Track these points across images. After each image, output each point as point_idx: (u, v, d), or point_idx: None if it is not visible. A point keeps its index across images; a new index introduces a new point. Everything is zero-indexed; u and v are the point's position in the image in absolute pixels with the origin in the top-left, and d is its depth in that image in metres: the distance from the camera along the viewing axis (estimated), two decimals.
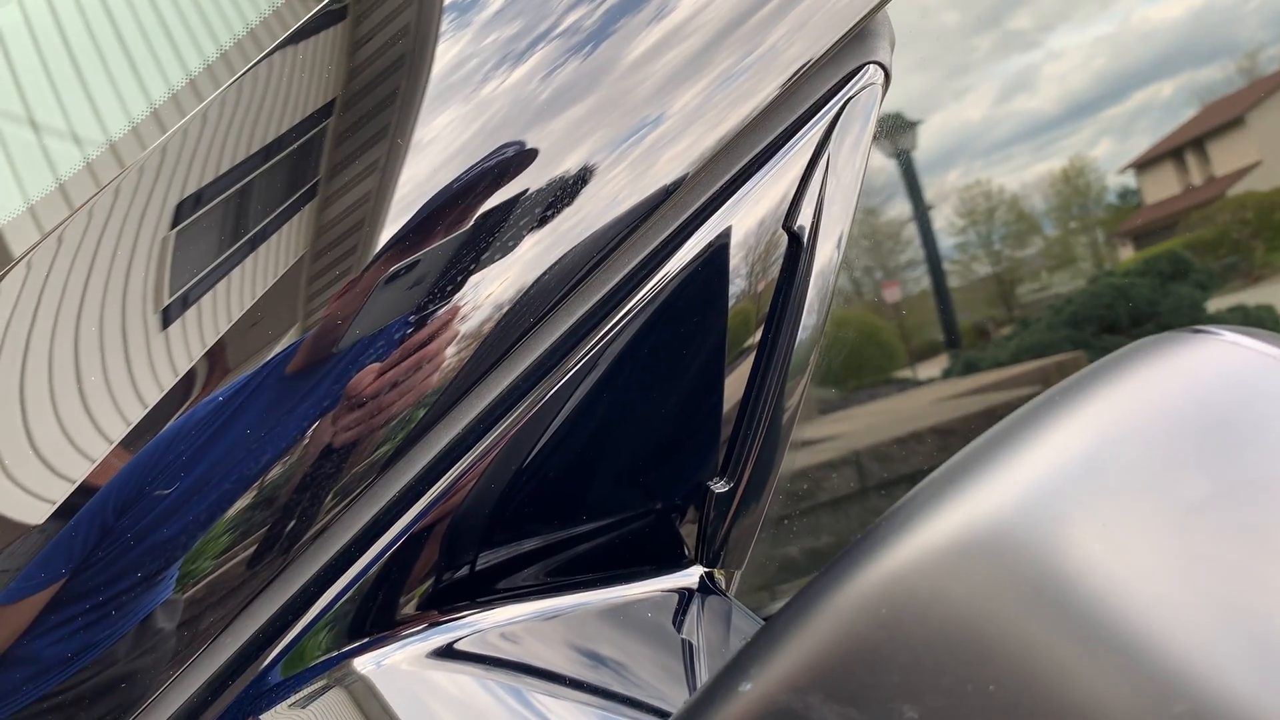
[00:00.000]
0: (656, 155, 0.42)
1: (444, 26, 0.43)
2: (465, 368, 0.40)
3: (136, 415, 0.38)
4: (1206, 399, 0.27)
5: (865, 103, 0.45)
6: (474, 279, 0.40)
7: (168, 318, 0.39)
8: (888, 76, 0.46)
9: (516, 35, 0.42)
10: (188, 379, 0.38)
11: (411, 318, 0.39)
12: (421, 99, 0.41)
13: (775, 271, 0.44)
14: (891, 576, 0.26)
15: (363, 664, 0.41)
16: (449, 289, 0.40)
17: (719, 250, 0.43)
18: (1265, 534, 0.24)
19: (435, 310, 0.40)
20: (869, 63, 0.45)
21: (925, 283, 3.21)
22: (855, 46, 0.45)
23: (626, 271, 0.42)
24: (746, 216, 0.43)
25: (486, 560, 0.43)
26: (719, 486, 0.45)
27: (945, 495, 0.27)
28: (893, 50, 0.46)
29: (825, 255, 0.45)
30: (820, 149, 0.43)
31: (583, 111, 0.42)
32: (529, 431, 0.42)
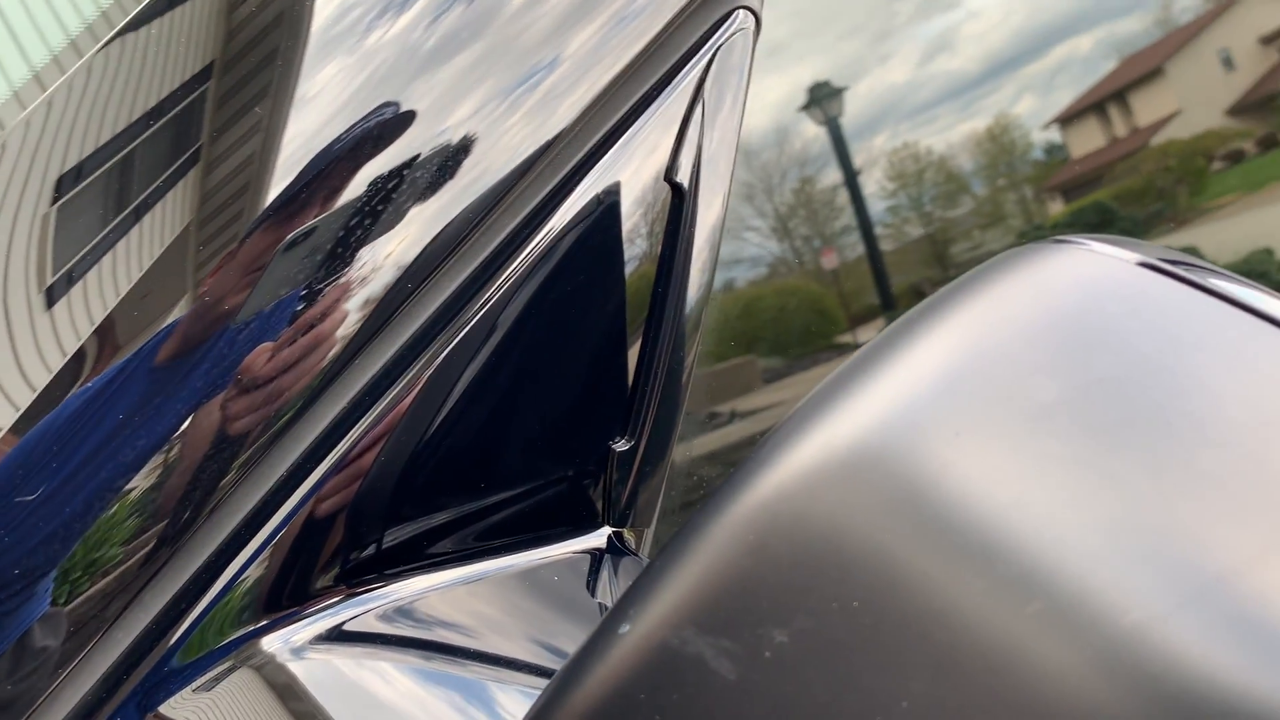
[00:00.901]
0: (556, 102, 0.41)
1: None
2: (356, 334, 0.39)
3: (21, 401, 0.37)
4: (1059, 305, 0.27)
5: (739, 49, 0.44)
6: (367, 238, 0.39)
7: (51, 298, 0.38)
8: (758, 22, 0.45)
9: None
10: (73, 363, 0.37)
11: (302, 282, 0.39)
12: (303, 54, 0.40)
13: (662, 224, 0.44)
14: (758, 505, 0.26)
15: (270, 643, 0.40)
16: (341, 250, 0.39)
17: (604, 204, 0.42)
18: (1113, 431, 0.24)
19: (326, 273, 0.39)
20: (738, 7, 0.44)
21: (861, 248, 3.23)
22: None
23: (513, 226, 0.41)
24: (627, 168, 0.43)
25: (393, 532, 0.43)
26: (620, 446, 0.45)
27: (807, 422, 0.27)
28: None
29: (708, 205, 0.44)
30: (696, 97, 0.43)
31: (471, 58, 0.41)
32: (425, 396, 0.41)
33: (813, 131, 3.23)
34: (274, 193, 0.39)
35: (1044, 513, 0.23)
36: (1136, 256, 0.28)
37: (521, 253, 0.41)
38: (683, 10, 0.42)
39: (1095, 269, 0.28)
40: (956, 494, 0.24)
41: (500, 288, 0.41)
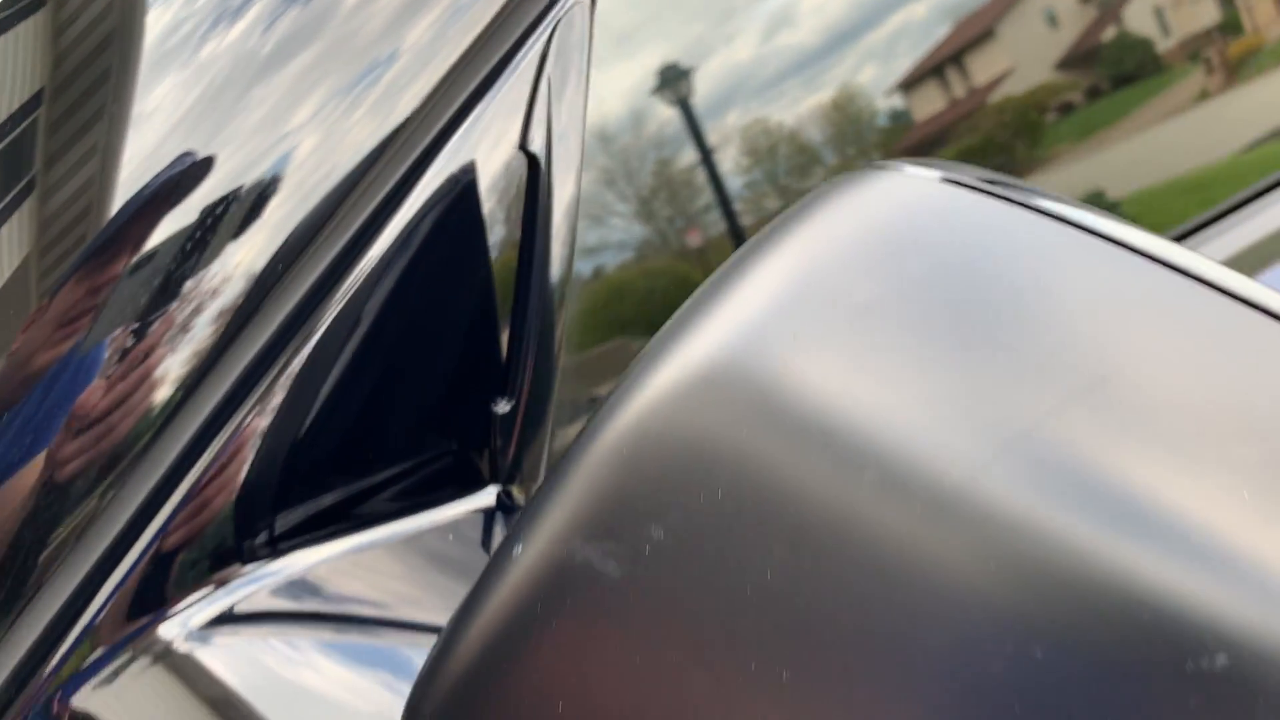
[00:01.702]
0: (400, 93, 0.43)
1: None
2: (220, 335, 0.40)
3: None
4: (874, 220, 0.30)
5: (578, 21, 0.47)
6: (217, 247, 0.40)
7: None
8: None
9: None
10: None
11: (147, 304, 0.39)
12: (136, 72, 0.41)
13: (521, 195, 0.47)
14: (627, 425, 0.29)
15: (166, 630, 0.41)
16: (191, 264, 0.40)
17: (461, 181, 0.45)
18: (925, 324, 0.28)
19: (170, 293, 0.40)
20: None
21: (724, 225, 3.31)
22: None
23: (370, 212, 0.43)
24: (481, 145, 0.45)
25: (283, 516, 0.44)
26: (501, 408, 0.47)
27: (663, 348, 0.30)
28: None
29: (564, 172, 0.47)
30: (540, 71, 0.46)
31: (310, 58, 0.42)
32: (300, 384, 0.43)
33: (666, 114, 3.28)
34: (113, 213, 0.40)
35: (870, 394, 0.27)
36: (940, 174, 0.31)
37: (380, 236, 0.43)
38: None
39: (904, 188, 0.31)
40: (796, 388, 0.27)
41: (363, 273, 0.43)
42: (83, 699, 0.40)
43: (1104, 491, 0.26)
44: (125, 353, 0.40)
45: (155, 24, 0.42)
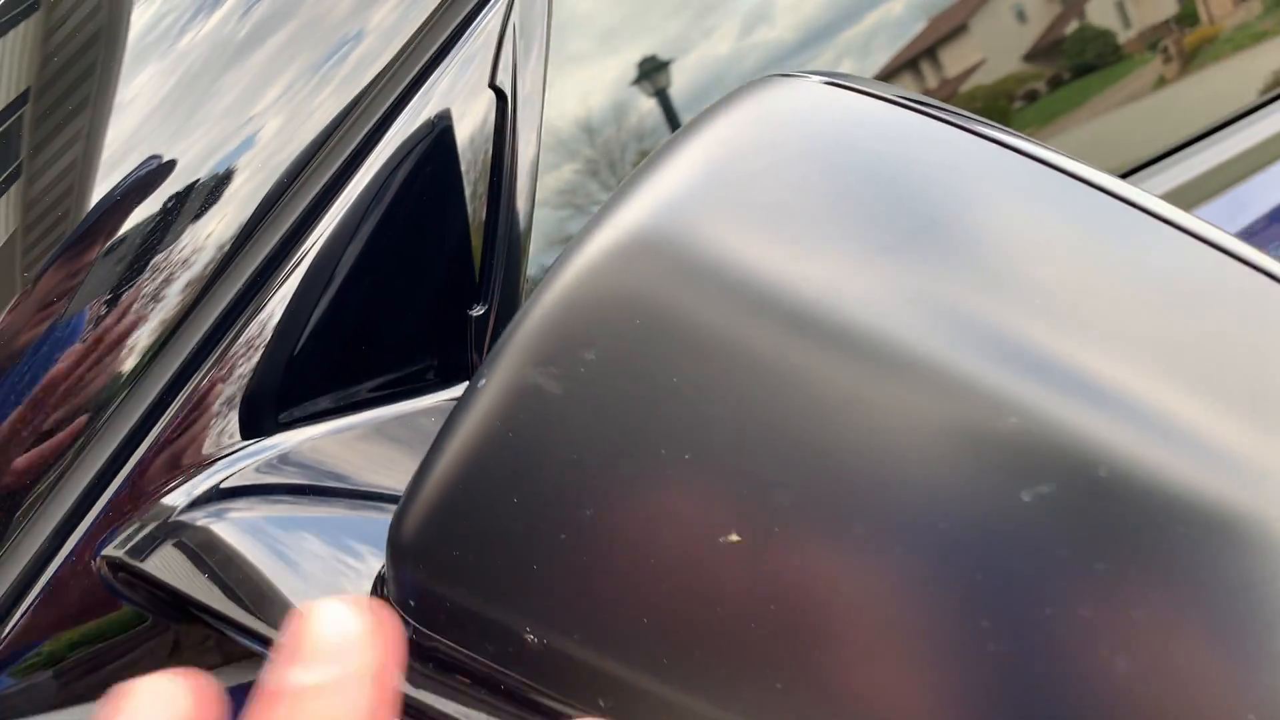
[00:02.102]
0: (363, 72, 0.49)
1: None
2: (201, 306, 0.46)
3: None
4: (765, 116, 0.37)
5: None
6: (192, 224, 0.46)
7: None
8: None
9: None
10: None
11: (139, 270, 0.45)
12: (119, 64, 0.47)
13: (490, 127, 0.53)
14: (569, 277, 0.36)
15: (171, 499, 0.48)
16: (168, 239, 0.46)
17: (436, 118, 0.51)
18: (826, 207, 0.35)
19: (158, 259, 0.45)
20: None
21: None
22: None
23: (350, 150, 0.49)
24: (454, 85, 0.52)
25: (281, 408, 0.50)
26: (477, 311, 0.54)
27: (600, 219, 0.37)
28: None
29: (528, 104, 0.54)
30: (509, 12, 0.53)
31: (283, 39, 0.48)
32: (300, 297, 0.49)
33: (647, 106, 3.34)
34: (93, 199, 0.45)
35: (774, 252, 0.34)
36: (824, 79, 0.38)
37: (359, 172, 0.49)
38: None
39: (797, 92, 0.38)
40: (708, 248, 0.34)
41: (347, 204, 0.49)
42: (110, 552, 0.47)
43: (998, 337, 0.32)
44: (104, 319, 0.45)
45: (139, 19, 0.48)
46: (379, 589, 0.45)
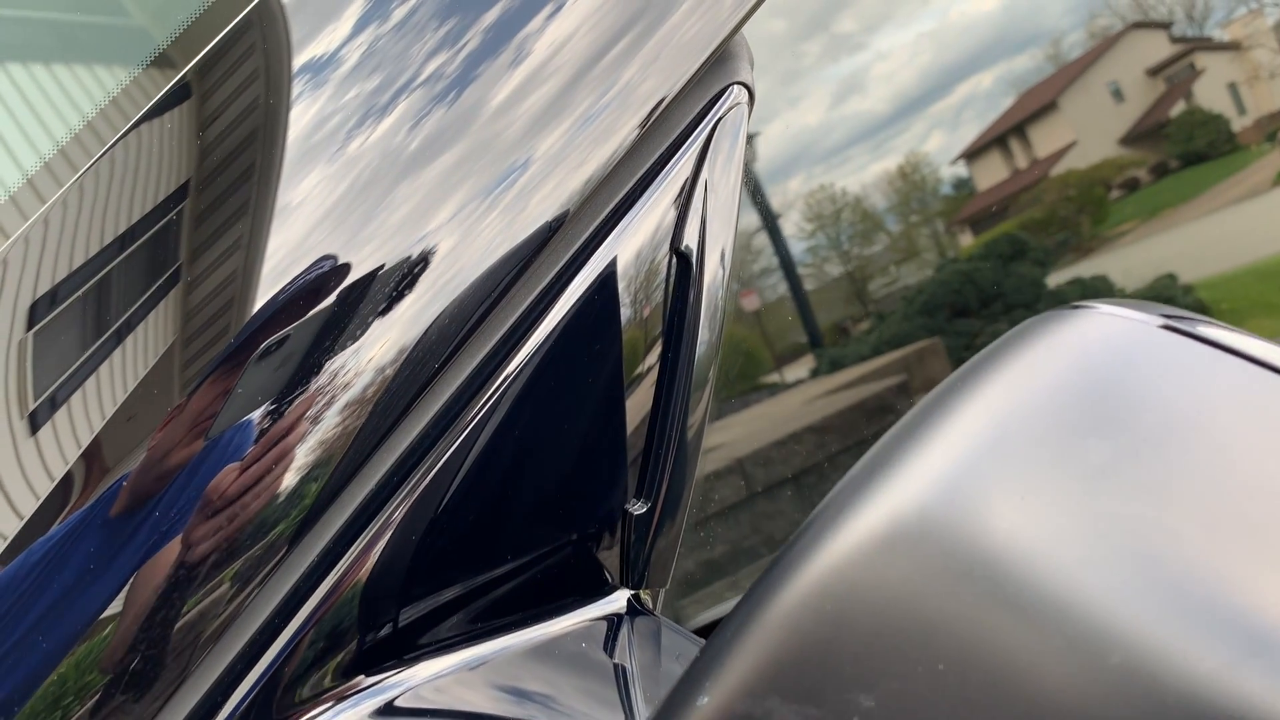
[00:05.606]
0: (527, 199, 0.42)
1: (297, 90, 0.42)
2: (360, 433, 0.40)
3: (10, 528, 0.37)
4: (1095, 369, 0.29)
5: (733, 122, 0.46)
6: (353, 345, 0.40)
7: (35, 423, 0.38)
8: (751, 94, 0.47)
9: (378, 88, 0.42)
10: (62, 486, 0.37)
11: (295, 390, 0.39)
12: (281, 166, 0.41)
13: (667, 294, 0.45)
14: (830, 573, 0.27)
15: None
16: (327, 359, 0.39)
17: (610, 280, 0.44)
18: (1165, 487, 0.26)
19: (317, 381, 0.39)
20: (732, 84, 0.46)
21: (781, 288, 3.29)
22: (717, 70, 0.46)
23: (520, 312, 0.42)
24: (633, 244, 0.44)
25: (410, 616, 0.43)
26: (637, 509, 0.46)
27: (868, 489, 0.28)
28: (753, 68, 0.48)
29: (712, 271, 0.46)
30: (698, 171, 0.45)
31: (453, 159, 0.42)
32: (439, 484, 0.42)
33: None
34: (257, 308, 0.39)
35: (1114, 570, 0.25)
36: (1157, 319, 0.30)
37: (534, 333, 0.42)
38: (682, 90, 0.44)
39: (1120, 332, 0.30)
40: (1027, 556, 0.25)
41: (516, 370, 0.42)
42: None
43: None
44: (259, 437, 0.39)
45: (301, 117, 0.42)
46: None
